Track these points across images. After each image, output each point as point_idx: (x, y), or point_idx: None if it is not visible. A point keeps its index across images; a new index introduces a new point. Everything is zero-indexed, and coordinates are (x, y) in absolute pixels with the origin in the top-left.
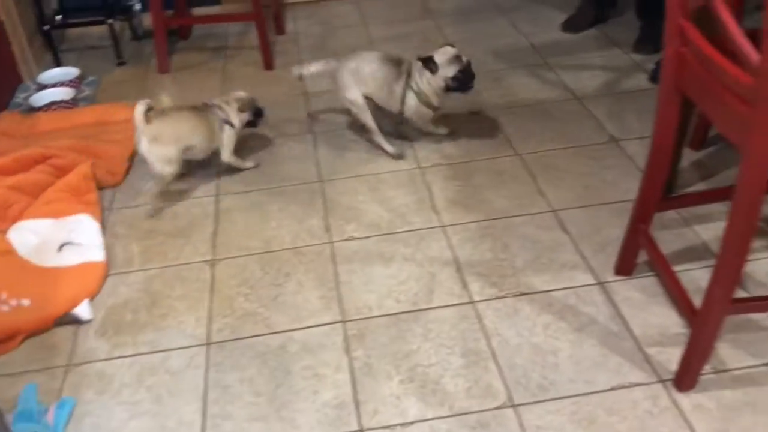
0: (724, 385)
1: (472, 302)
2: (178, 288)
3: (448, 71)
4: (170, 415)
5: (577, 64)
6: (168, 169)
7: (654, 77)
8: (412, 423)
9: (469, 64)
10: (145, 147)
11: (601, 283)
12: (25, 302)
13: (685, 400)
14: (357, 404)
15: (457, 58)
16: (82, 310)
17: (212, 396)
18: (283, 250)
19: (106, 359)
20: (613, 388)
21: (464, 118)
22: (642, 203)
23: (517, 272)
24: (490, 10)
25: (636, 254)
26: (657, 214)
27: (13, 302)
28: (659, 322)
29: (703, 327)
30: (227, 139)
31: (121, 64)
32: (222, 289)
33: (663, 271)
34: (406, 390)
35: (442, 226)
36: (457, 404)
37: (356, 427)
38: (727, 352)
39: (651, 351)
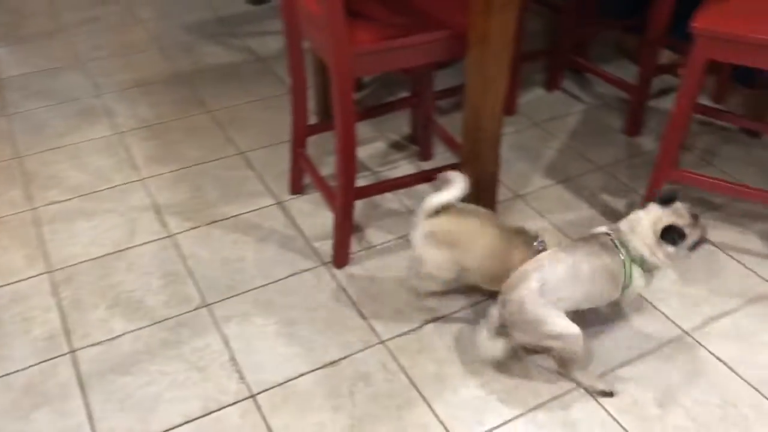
0: (369, 258)
1: (170, 236)
2: None
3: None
4: None
5: (261, 30)
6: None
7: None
8: (119, 336)
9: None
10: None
11: (279, 203)
12: None
13: (341, 273)
14: (67, 333)
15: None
16: None
17: None
18: None
19: None
20: (287, 276)
21: (162, 86)
22: (295, 131)
23: (209, 206)
24: None
25: (301, 174)
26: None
27: None
28: (323, 223)
29: (339, 211)
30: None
31: None
32: None
33: (316, 181)
34: (113, 313)
35: (141, 180)
36: (158, 314)
37: (67, 350)
38: (373, 233)
39: (317, 244)
